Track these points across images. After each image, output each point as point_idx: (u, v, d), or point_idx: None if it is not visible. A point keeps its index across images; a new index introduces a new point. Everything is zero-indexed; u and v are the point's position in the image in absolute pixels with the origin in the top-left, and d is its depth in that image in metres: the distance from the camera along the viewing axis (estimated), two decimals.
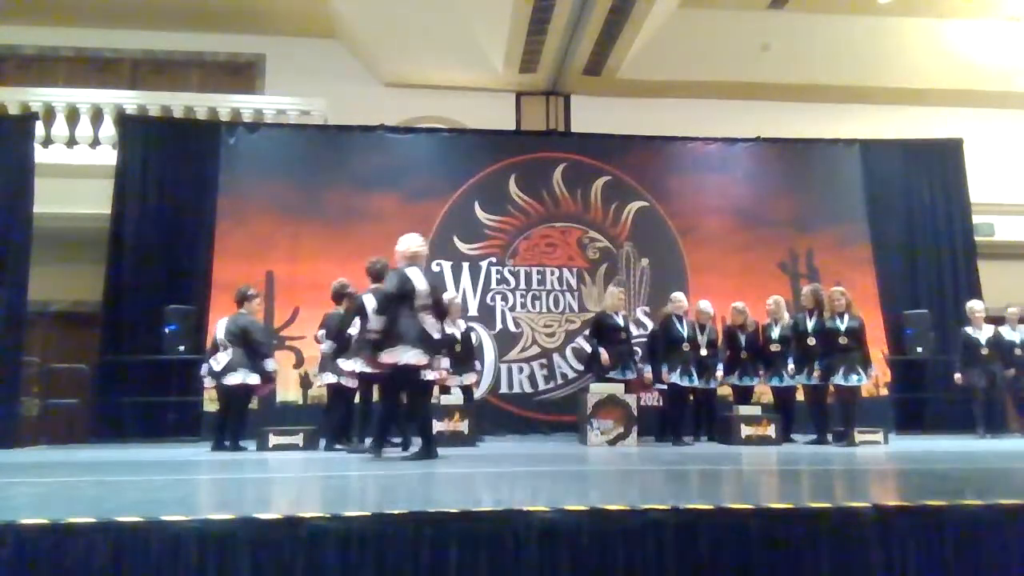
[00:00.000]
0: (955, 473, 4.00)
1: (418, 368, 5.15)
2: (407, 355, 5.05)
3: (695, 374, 7.52)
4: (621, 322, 7.78)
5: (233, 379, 6.65)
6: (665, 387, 7.67)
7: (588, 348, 8.20)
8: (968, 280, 9.79)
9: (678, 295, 8.01)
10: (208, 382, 6.95)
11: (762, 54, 10.36)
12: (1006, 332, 8.30)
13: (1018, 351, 8.18)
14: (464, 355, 7.62)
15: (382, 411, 5.55)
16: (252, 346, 6.73)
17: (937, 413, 9.23)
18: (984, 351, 8.14)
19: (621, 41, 9.82)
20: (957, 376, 8.23)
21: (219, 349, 6.78)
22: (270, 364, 6.83)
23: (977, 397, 8.13)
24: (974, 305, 8.47)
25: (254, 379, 6.71)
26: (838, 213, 9.80)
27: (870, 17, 10.19)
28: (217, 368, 6.71)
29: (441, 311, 5.41)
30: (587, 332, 8.30)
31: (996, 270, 10.04)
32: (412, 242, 5.39)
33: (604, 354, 7.55)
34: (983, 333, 8.26)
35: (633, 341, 8.07)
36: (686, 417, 7.69)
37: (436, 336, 5.27)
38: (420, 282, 5.18)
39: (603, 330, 7.73)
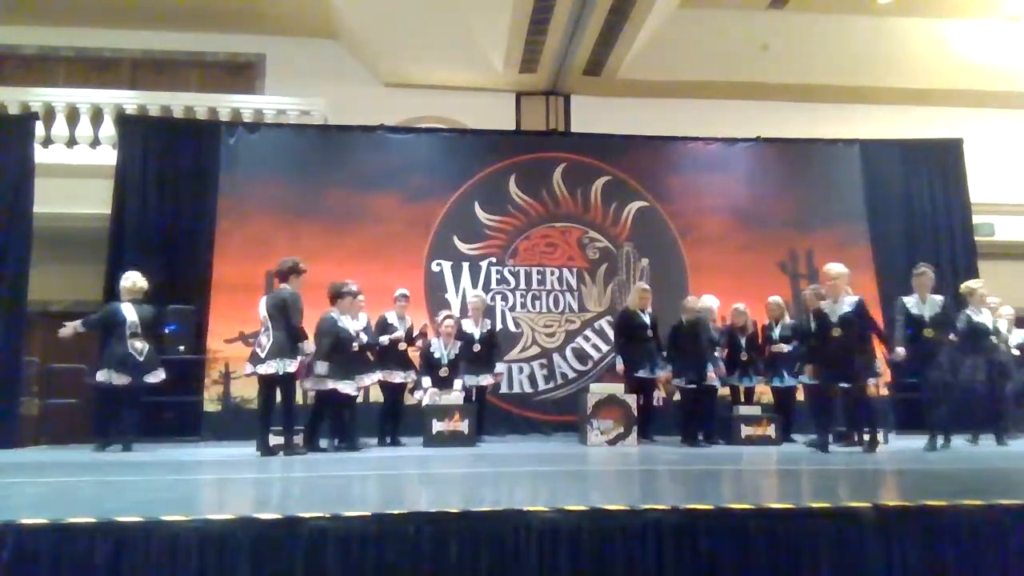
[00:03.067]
0: (955, 473, 4.00)
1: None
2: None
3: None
4: (647, 320, 7.64)
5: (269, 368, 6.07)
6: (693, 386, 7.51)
7: (589, 348, 8.19)
8: (968, 280, 9.77)
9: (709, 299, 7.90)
10: (248, 368, 6.33)
11: (762, 54, 10.35)
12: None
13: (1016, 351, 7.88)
14: (483, 356, 7.57)
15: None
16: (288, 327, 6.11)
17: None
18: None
19: (621, 41, 9.82)
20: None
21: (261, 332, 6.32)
22: (307, 347, 6.29)
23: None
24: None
25: (292, 366, 6.10)
26: (838, 213, 9.79)
27: (870, 17, 10.19)
28: (261, 354, 6.14)
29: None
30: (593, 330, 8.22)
31: (996, 270, 10.02)
32: None
33: (620, 363, 7.48)
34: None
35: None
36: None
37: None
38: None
39: (628, 328, 7.60)
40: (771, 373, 7.82)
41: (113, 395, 6.88)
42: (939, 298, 6.47)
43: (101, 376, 6.80)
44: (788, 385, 7.70)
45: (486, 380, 7.61)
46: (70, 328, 6.85)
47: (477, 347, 7.51)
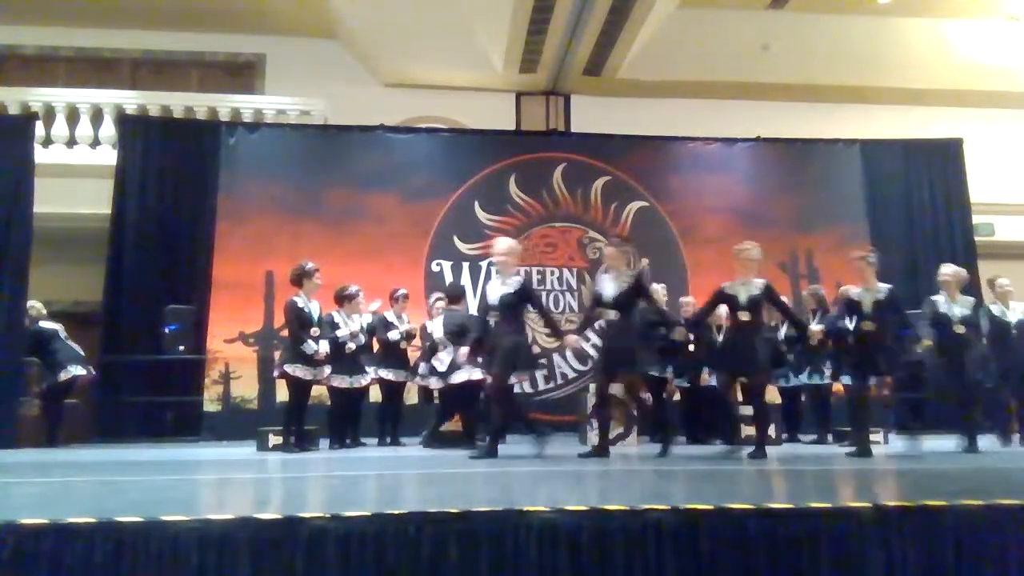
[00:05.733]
0: (955, 473, 4.00)
1: None
2: None
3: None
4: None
5: (459, 377, 6.54)
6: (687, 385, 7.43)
7: (589, 348, 8.16)
8: (968, 280, 9.77)
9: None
10: (435, 382, 6.82)
11: (762, 54, 10.36)
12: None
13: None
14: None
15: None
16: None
17: (937, 413, 9.21)
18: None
19: (621, 41, 9.82)
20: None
21: (438, 349, 6.79)
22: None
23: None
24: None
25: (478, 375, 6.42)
26: (838, 213, 9.80)
27: (870, 17, 10.20)
28: (442, 368, 6.68)
29: None
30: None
31: (996, 270, 9.99)
32: None
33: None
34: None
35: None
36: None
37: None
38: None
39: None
40: (775, 373, 7.76)
41: None
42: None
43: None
44: (794, 385, 7.66)
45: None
46: None
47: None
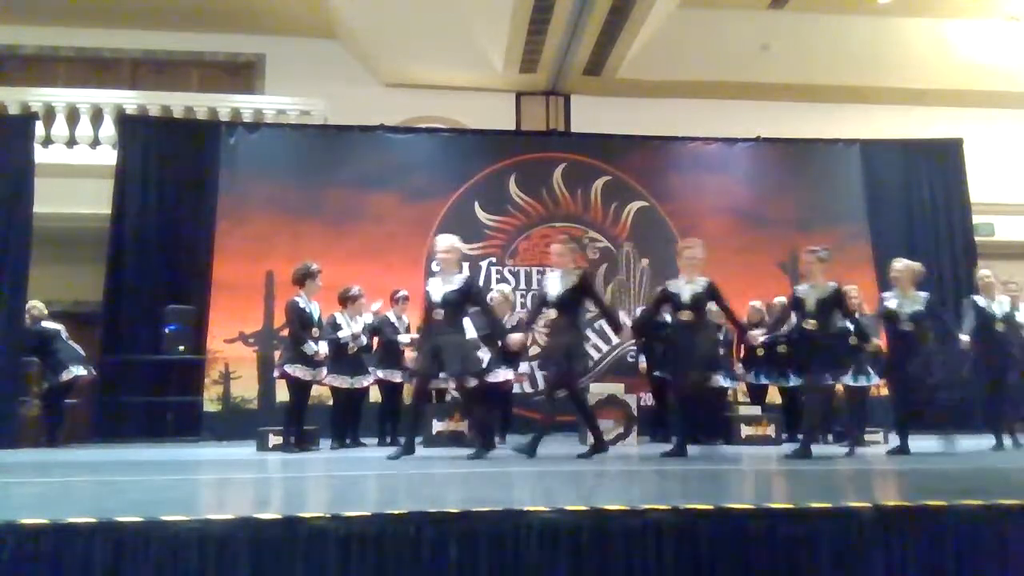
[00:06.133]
0: (955, 473, 4.00)
1: None
2: None
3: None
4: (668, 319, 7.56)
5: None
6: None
7: (589, 348, 8.14)
8: (968, 280, 9.77)
9: None
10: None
11: (762, 54, 10.36)
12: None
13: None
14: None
15: None
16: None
17: (937, 413, 9.20)
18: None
19: (621, 41, 9.82)
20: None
21: None
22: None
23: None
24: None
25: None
26: (838, 213, 9.80)
27: (870, 17, 10.20)
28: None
29: None
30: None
31: (996, 270, 9.97)
32: None
33: (643, 362, 7.41)
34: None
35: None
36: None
37: None
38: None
39: (649, 328, 7.43)
40: (778, 373, 7.76)
41: None
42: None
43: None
44: (796, 385, 7.65)
45: (498, 376, 7.34)
46: None
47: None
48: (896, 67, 10.69)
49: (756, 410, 7.50)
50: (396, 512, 2.25)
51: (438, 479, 3.88)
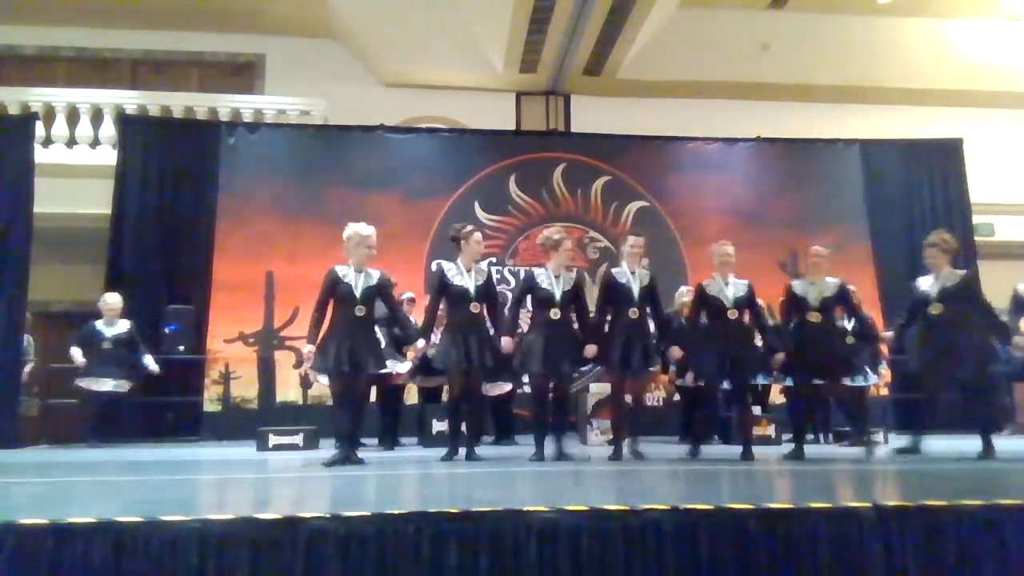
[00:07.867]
0: (955, 473, 4.00)
1: None
2: None
3: None
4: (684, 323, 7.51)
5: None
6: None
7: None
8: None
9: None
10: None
11: (762, 54, 10.36)
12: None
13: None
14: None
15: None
16: None
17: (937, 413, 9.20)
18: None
19: (621, 41, 9.82)
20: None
21: None
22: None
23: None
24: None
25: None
26: (838, 213, 9.79)
27: (870, 17, 10.20)
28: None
29: None
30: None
31: (996, 270, 10.02)
32: None
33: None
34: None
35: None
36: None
37: None
38: None
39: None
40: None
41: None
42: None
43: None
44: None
45: (498, 389, 7.24)
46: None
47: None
48: (896, 67, 10.69)
49: (756, 410, 7.48)
50: (396, 512, 2.26)
51: (438, 479, 3.88)
